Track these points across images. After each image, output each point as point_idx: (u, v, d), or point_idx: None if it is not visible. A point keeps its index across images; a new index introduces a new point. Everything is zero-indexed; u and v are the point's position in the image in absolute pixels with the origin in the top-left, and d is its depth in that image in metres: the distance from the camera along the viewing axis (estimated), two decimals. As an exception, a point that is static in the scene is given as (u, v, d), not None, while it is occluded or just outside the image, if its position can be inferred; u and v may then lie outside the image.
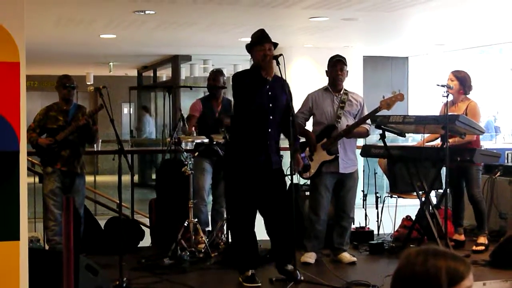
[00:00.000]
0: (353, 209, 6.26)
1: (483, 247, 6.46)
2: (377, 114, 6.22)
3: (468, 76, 6.55)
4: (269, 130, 5.38)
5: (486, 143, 9.86)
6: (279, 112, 5.41)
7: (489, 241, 6.56)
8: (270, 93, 5.38)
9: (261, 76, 5.33)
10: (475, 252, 6.41)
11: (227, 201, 5.64)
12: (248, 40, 5.51)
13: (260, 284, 5.33)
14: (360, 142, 7.33)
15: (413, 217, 6.73)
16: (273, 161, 5.40)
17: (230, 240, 6.50)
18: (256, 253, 5.54)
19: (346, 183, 6.09)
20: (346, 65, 6.12)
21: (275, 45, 5.39)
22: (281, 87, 5.42)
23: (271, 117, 5.38)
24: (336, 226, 6.19)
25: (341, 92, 6.12)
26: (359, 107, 6.15)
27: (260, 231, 5.64)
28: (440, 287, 1.98)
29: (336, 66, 6.08)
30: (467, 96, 6.56)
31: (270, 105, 5.39)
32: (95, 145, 7.39)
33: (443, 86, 6.22)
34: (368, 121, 6.14)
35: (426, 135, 6.66)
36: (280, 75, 5.24)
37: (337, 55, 6.15)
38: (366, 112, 6.15)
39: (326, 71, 6.17)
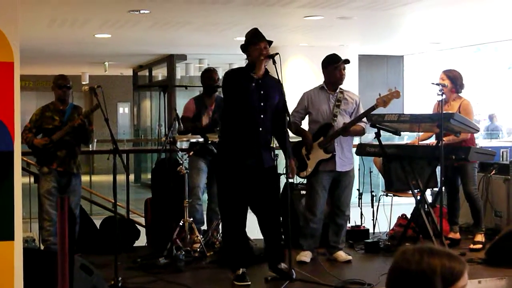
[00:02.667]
0: (349, 207, 6.27)
1: (480, 246, 6.46)
2: (373, 112, 6.23)
3: (460, 74, 6.57)
4: (260, 129, 5.37)
5: (484, 142, 9.88)
6: (270, 112, 5.41)
7: (485, 238, 6.57)
8: (262, 92, 5.36)
9: (251, 75, 5.34)
10: (473, 250, 6.41)
11: (219, 201, 5.62)
12: (244, 39, 5.52)
13: (249, 283, 5.33)
14: (356, 140, 7.34)
15: (409, 216, 6.74)
16: (265, 160, 5.39)
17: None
18: (246, 252, 5.54)
19: (342, 181, 6.10)
20: None
21: (270, 43, 5.41)
22: (275, 87, 5.42)
23: (262, 116, 5.37)
24: (332, 224, 6.19)
25: (337, 91, 6.13)
26: (354, 106, 6.16)
27: (256, 230, 5.64)
28: (434, 287, 1.97)
29: (341, 66, 6.06)
30: (460, 94, 6.57)
31: (262, 104, 5.38)
32: (90, 144, 7.38)
33: (438, 84, 6.22)
34: (364, 119, 6.13)
35: (421, 134, 6.67)
36: (276, 74, 5.23)
37: (336, 55, 6.14)
38: (361, 111, 6.15)
39: (324, 70, 6.15)
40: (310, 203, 6.10)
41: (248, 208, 5.48)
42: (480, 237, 6.57)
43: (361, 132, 6.20)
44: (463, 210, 6.85)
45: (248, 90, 5.28)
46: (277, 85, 5.40)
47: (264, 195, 5.40)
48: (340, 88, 6.15)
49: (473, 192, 6.57)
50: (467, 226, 7.12)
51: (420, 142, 6.72)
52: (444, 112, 6.06)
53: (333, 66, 6.06)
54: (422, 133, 6.68)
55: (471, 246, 6.50)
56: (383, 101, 5.95)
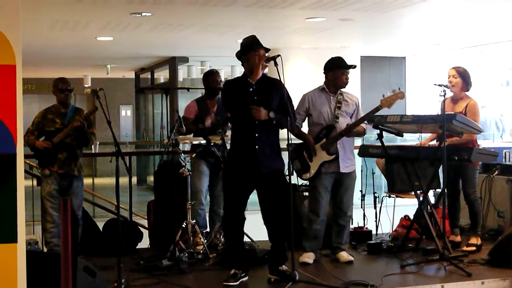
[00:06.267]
0: (351, 208, 6.27)
1: (474, 248, 6.45)
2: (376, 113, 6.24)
3: (468, 71, 6.56)
4: (256, 134, 5.35)
5: (487, 142, 9.86)
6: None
7: (482, 241, 6.56)
8: (255, 97, 5.37)
9: (247, 81, 5.36)
10: (467, 252, 6.38)
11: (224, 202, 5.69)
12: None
13: (234, 284, 5.36)
14: (358, 142, 7.34)
15: (411, 217, 6.74)
16: (263, 165, 5.35)
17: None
18: (241, 254, 5.55)
19: (344, 182, 6.10)
20: None
21: (267, 50, 5.46)
22: (273, 89, 5.42)
23: (256, 122, 5.34)
24: (334, 224, 6.20)
25: (337, 93, 6.14)
26: (355, 107, 6.17)
27: (260, 232, 5.66)
28: None
29: (346, 71, 6.08)
30: (468, 94, 6.56)
31: None
32: (92, 147, 7.38)
33: (440, 85, 6.21)
34: None
35: (424, 136, 6.66)
36: (278, 76, 5.23)
37: (343, 59, 6.14)
38: (361, 112, 6.18)
39: (329, 72, 6.13)
40: (313, 204, 6.10)
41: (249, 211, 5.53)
42: (475, 240, 6.55)
43: (363, 133, 6.23)
44: (465, 211, 6.83)
45: (242, 97, 5.33)
46: (277, 87, 5.40)
47: (266, 199, 5.42)
48: (340, 90, 6.16)
49: (471, 194, 6.56)
50: (469, 228, 7.11)
51: (429, 143, 6.70)
52: (447, 112, 6.06)
53: (341, 71, 6.07)
54: (427, 136, 6.68)
55: (465, 248, 6.48)
56: (387, 102, 5.95)
